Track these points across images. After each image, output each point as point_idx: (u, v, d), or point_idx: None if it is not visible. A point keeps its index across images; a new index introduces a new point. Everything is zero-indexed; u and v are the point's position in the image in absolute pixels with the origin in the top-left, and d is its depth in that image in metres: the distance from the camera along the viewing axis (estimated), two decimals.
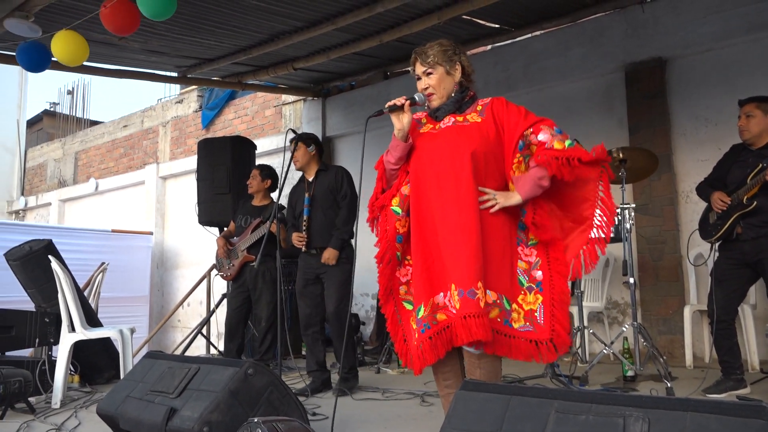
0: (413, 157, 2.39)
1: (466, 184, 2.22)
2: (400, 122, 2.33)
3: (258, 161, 6.18)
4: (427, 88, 2.38)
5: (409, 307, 2.40)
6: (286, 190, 4.38)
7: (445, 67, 2.36)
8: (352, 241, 3.94)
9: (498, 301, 2.20)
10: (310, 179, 4.02)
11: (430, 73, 2.37)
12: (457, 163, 2.24)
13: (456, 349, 2.31)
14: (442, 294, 2.20)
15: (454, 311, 2.14)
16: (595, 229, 2.24)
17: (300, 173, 4.16)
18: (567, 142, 2.21)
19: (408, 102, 2.33)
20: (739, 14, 4.70)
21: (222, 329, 7.54)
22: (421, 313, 2.24)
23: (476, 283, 2.11)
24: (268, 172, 4.73)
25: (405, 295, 2.41)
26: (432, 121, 2.43)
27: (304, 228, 3.90)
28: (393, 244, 2.39)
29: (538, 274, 2.28)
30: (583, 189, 2.26)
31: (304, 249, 3.92)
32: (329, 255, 3.82)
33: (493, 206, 2.24)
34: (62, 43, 3.98)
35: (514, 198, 2.25)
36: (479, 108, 2.37)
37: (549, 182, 2.23)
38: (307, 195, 3.95)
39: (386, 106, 2.34)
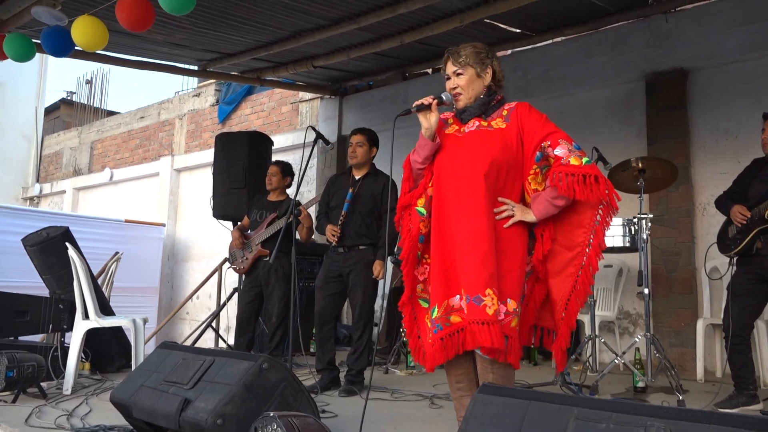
0: (437, 158, 2.39)
1: (482, 193, 2.23)
2: (428, 121, 2.33)
3: (273, 158, 6.20)
4: (455, 88, 2.38)
5: (424, 304, 2.42)
6: (303, 187, 4.39)
7: (476, 69, 2.37)
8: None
9: (518, 310, 2.23)
10: (358, 177, 4.00)
11: (460, 74, 2.37)
12: (477, 170, 2.25)
13: (470, 352, 2.31)
14: (458, 297, 2.23)
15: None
16: (584, 258, 2.22)
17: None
18: (584, 159, 2.21)
19: (435, 101, 2.33)
20: (765, 27, 4.66)
21: (231, 323, 7.57)
22: (435, 314, 2.27)
23: (484, 290, 2.13)
24: (289, 170, 4.76)
25: (421, 292, 2.44)
26: (458, 123, 2.43)
27: (340, 223, 3.88)
28: (416, 243, 2.41)
29: (526, 286, 2.32)
30: (583, 214, 2.25)
31: (334, 243, 3.92)
32: (380, 269, 3.83)
33: (508, 218, 2.26)
34: (82, 28, 4.01)
35: (530, 216, 2.26)
36: (505, 113, 2.37)
37: (564, 202, 2.23)
38: (351, 191, 3.93)
39: (414, 105, 2.35)
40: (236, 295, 5.38)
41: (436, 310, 2.26)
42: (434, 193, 2.37)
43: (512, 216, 2.26)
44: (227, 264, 6.91)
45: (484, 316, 2.11)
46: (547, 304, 2.35)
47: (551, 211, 2.25)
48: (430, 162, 2.41)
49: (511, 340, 2.18)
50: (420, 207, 2.41)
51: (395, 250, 4.48)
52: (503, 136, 2.30)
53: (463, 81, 2.37)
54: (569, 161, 2.19)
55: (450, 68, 2.40)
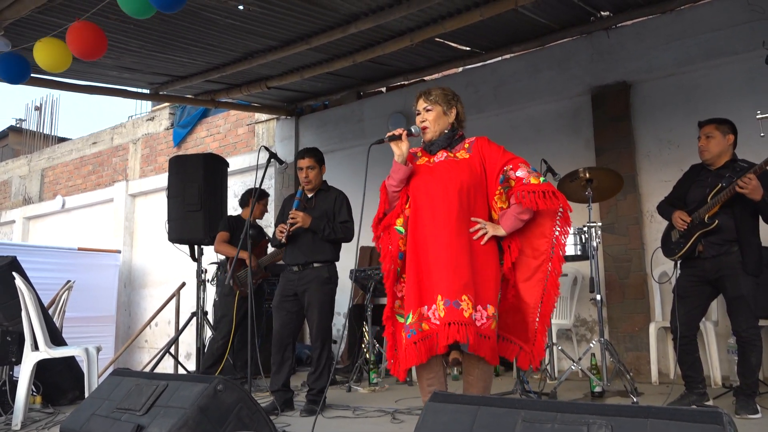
0: (413, 184, 2.72)
1: (455, 212, 2.58)
2: (399, 149, 2.68)
3: (230, 179, 6.15)
4: (424, 122, 2.75)
5: (401, 320, 2.67)
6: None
7: (443, 107, 2.75)
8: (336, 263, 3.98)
9: (495, 314, 2.53)
10: (310, 195, 4.00)
11: (429, 110, 2.75)
12: (450, 194, 2.60)
13: (441, 357, 2.62)
14: (426, 306, 2.52)
15: (438, 322, 2.45)
16: (549, 263, 2.60)
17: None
18: (541, 179, 2.62)
19: (405, 132, 2.69)
20: (699, 42, 4.90)
21: (190, 349, 7.40)
22: (409, 320, 2.54)
23: (461, 296, 2.43)
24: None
25: (398, 308, 2.71)
26: (427, 155, 2.78)
27: (290, 221, 3.81)
28: (396, 260, 2.69)
29: (501, 291, 2.66)
30: (543, 226, 2.63)
31: (283, 241, 3.85)
32: (306, 218, 3.77)
33: (483, 235, 2.60)
34: (45, 50, 3.95)
35: (500, 230, 2.62)
36: (466, 146, 2.75)
37: (528, 215, 2.60)
38: (298, 200, 3.92)
39: (386, 136, 2.71)
40: (194, 320, 5.29)
41: (411, 316, 2.53)
42: (411, 214, 2.69)
43: (486, 233, 2.59)
44: (184, 289, 6.80)
45: (462, 318, 2.40)
46: (518, 312, 2.65)
47: (518, 225, 2.62)
48: (405, 185, 2.73)
49: (491, 340, 2.50)
50: (399, 226, 2.72)
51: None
52: (468, 164, 2.68)
53: (431, 116, 2.74)
54: (530, 181, 2.58)
55: (421, 105, 2.77)
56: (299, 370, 5.90)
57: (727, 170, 3.44)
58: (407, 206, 2.72)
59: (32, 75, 5.05)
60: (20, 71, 4.34)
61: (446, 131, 2.75)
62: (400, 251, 2.68)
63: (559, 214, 2.59)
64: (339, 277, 4.02)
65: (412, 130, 2.73)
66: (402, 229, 2.70)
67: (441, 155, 2.73)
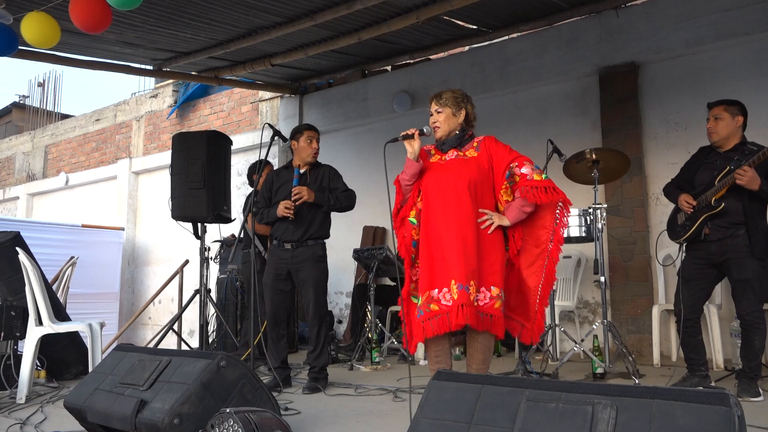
0: (426, 180, 2.98)
1: (466, 206, 2.85)
2: (412, 147, 2.93)
3: (234, 158, 6.13)
4: (435, 122, 3.03)
5: (415, 300, 2.96)
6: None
7: (453, 109, 3.02)
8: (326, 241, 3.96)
9: (500, 294, 2.83)
10: (302, 171, 3.97)
11: (440, 112, 3.02)
12: (460, 189, 2.87)
13: (449, 335, 2.87)
14: (436, 290, 2.80)
15: (450, 303, 2.74)
16: (548, 252, 2.90)
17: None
18: (543, 175, 2.91)
19: (417, 132, 2.94)
20: (709, 22, 4.81)
21: (194, 326, 7.45)
22: (419, 301, 2.85)
23: (469, 281, 2.74)
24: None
25: (413, 290, 2.98)
26: (439, 153, 3.06)
27: (293, 198, 3.75)
28: (410, 248, 2.98)
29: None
30: (544, 218, 2.92)
31: (291, 217, 3.79)
32: (311, 192, 3.77)
33: (490, 225, 2.87)
34: (32, 25, 3.87)
35: (505, 221, 2.92)
36: (475, 144, 3.03)
37: (531, 208, 2.90)
38: (297, 178, 3.87)
39: (401, 134, 2.96)
40: (197, 297, 5.30)
41: (421, 298, 2.85)
42: (423, 207, 2.95)
43: (493, 223, 2.87)
44: (187, 266, 6.82)
45: (468, 300, 2.71)
46: (520, 294, 2.95)
47: (521, 216, 2.91)
48: (417, 180, 3.00)
49: (495, 318, 2.80)
50: (411, 218, 3.00)
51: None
52: (477, 162, 2.95)
53: (441, 117, 3.01)
54: (533, 177, 2.88)
55: (433, 107, 3.06)
56: (301, 348, 5.93)
57: (735, 153, 3.39)
58: (419, 199, 2.98)
59: (34, 49, 5.01)
60: (7, 43, 4.25)
61: (457, 131, 3.02)
62: (413, 240, 2.96)
63: (559, 207, 2.89)
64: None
65: (425, 130, 2.97)
66: (414, 221, 2.96)
67: (452, 154, 3.00)
